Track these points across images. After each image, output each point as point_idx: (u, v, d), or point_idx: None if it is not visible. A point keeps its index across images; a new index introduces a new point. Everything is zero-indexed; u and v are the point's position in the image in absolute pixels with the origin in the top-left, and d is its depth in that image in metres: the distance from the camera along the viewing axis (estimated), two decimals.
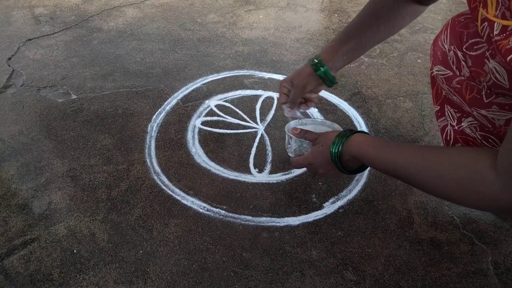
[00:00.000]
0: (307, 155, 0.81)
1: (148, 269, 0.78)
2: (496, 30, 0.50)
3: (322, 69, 0.83)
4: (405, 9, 0.79)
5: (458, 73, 0.68)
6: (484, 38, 0.57)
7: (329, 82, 0.86)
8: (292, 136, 0.84)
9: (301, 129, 0.84)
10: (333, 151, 0.71)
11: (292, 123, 0.91)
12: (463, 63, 0.65)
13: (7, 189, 0.95)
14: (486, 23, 0.55)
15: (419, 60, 1.44)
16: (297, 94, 0.88)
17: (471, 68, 0.64)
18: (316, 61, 0.83)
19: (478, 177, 0.50)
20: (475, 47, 0.62)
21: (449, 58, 0.69)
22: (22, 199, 0.93)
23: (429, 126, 1.15)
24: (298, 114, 0.94)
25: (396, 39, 1.57)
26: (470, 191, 0.52)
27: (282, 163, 1.03)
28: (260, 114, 1.19)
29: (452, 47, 0.67)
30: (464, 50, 0.64)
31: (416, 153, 0.59)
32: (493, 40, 0.51)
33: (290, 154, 0.89)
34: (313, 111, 1.19)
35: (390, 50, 1.50)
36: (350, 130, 0.72)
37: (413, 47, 1.53)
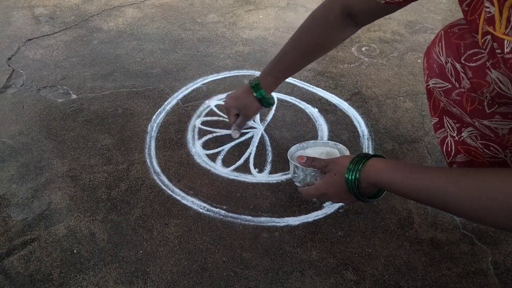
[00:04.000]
0: (319, 186, 0.74)
1: (148, 269, 0.78)
2: (507, 48, 0.48)
3: (259, 92, 0.98)
4: (342, 35, 0.85)
5: (457, 85, 0.66)
6: (487, 51, 0.56)
7: (266, 104, 1.01)
8: (298, 165, 0.77)
9: (307, 157, 0.77)
10: (350, 178, 0.67)
11: (293, 149, 0.85)
12: (463, 74, 0.63)
13: (7, 189, 0.95)
14: (489, 36, 0.54)
15: (419, 60, 1.44)
16: (245, 121, 1.06)
17: (472, 80, 0.62)
18: (254, 84, 0.98)
19: None
20: (474, 58, 0.60)
21: (446, 70, 0.67)
22: (22, 199, 0.93)
23: (429, 126, 1.14)
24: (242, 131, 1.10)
25: (396, 39, 1.57)
26: None
27: (282, 163, 1.03)
28: (260, 114, 1.19)
29: (449, 59, 0.65)
30: (462, 61, 0.63)
31: (448, 179, 0.56)
32: (501, 56, 0.50)
33: (297, 184, 0.81)
34: (313, 111, 1.19)
35: (390, 50, 1.50)
36: (364, 155, 0.68)
37: (413, 47, 1.53)
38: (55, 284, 0.76)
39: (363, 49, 1.51)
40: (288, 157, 0.82)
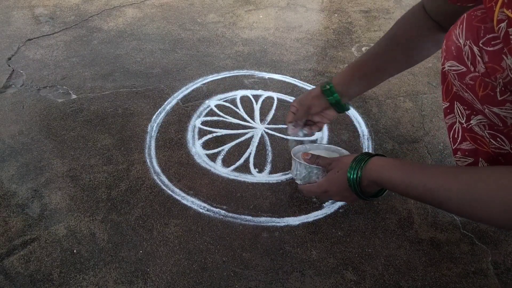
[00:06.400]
0: (321, 183, 0.75)
1: (148, 269, 0.78)
2: None
3: (332, 96, 0.84)
4: (428, 38, 0.77)
5: (472, 69, 0.66)
6: (501, 38, 0.57)
7: (340, 109, 0.87)
8: (302, 162, 0.78)
9: (312, 154, 0.78)
10: (351, 176, 0.68)
11: (296, 148, 0.86)
12: (479, 58, 0.63)
13: (7, 189, 0.95)
14: (503, 24, 0.54)
15: None
16: (302, 114, 0.90)
17: (487, 64, 0.62)
18: (328, 87, 0.84)
19: None
20: (492, 42, 0.60)
21: (464, 53, 0.67)
22: (22, 199, 0.93)
23: (429, 126, 1.15)
24: (300, 134, 0.95)
25: None
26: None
27: (282, 163, 1.03)
28: (260, 114, 1.19)
29: (468, 42, 0.65)
30: (480, 45, 0.63)
31: (447, 175, 0.56)
32: None
33: (298, 182, 0.83)
34: None
35: None
36: (367, 154, 0.69)
37: None
38: (55, 284, 0.76)
39: (363, 49, 1.51)
40: (292, 154, 0.83)
